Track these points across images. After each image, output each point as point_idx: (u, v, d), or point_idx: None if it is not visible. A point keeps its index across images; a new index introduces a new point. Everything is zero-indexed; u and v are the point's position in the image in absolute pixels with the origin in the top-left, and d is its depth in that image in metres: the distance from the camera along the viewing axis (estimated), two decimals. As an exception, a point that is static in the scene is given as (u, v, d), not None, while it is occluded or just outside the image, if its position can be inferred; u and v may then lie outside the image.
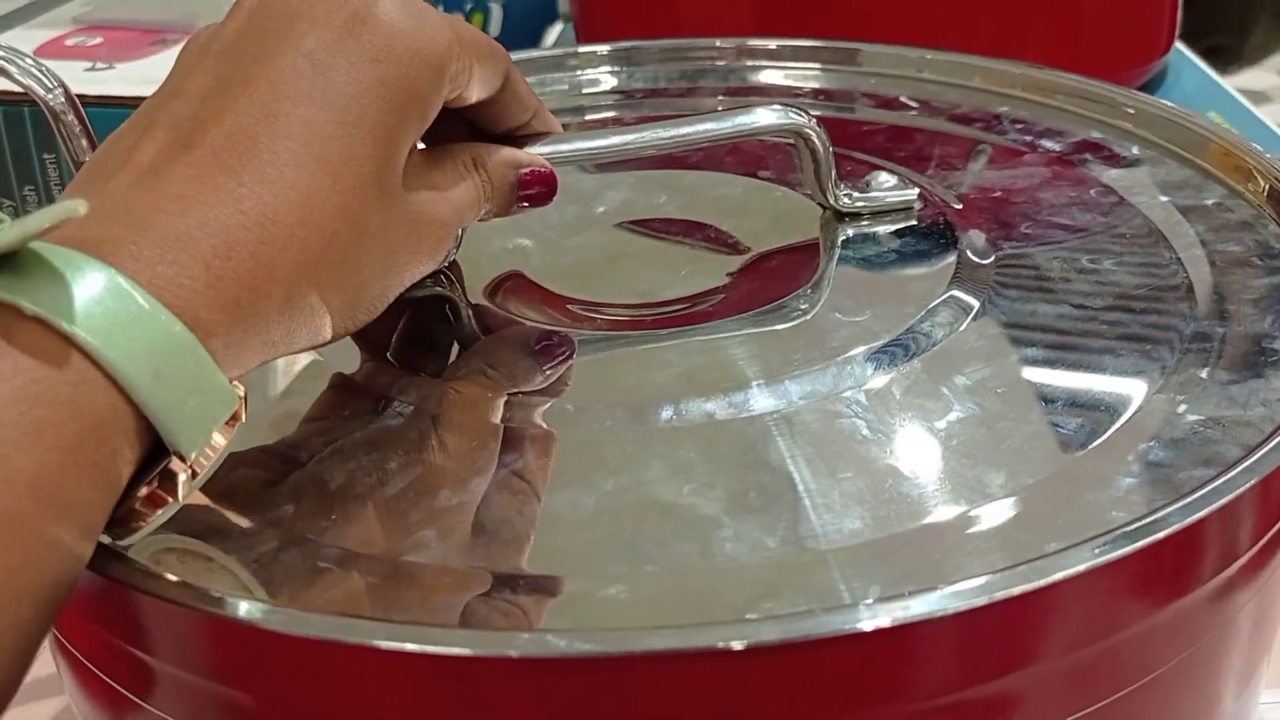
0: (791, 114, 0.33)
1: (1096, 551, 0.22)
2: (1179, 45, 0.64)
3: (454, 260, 0.33)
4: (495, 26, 0.79)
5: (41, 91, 0.38)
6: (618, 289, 0.32)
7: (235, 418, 0.24)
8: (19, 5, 0.67)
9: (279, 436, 0.28)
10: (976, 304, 0.30)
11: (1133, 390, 0.27)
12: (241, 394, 0.25)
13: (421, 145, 0.29)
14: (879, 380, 0.28)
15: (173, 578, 0.23)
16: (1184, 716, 0.27)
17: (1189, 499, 0.23)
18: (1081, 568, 0.22)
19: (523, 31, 0.72)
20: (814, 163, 0.33)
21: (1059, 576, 0.22)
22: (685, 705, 0.22)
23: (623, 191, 0.37)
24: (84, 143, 0.40)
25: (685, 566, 0.23)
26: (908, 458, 0.26)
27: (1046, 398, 0.27)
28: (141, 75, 0.59)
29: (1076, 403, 0.27)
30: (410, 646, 0.21)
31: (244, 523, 0.25)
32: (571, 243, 0.35)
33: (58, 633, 0.27)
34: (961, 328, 0.29)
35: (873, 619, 0.21)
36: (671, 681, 0.22)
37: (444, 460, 0.27)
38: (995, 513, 0.24)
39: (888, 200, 0.34)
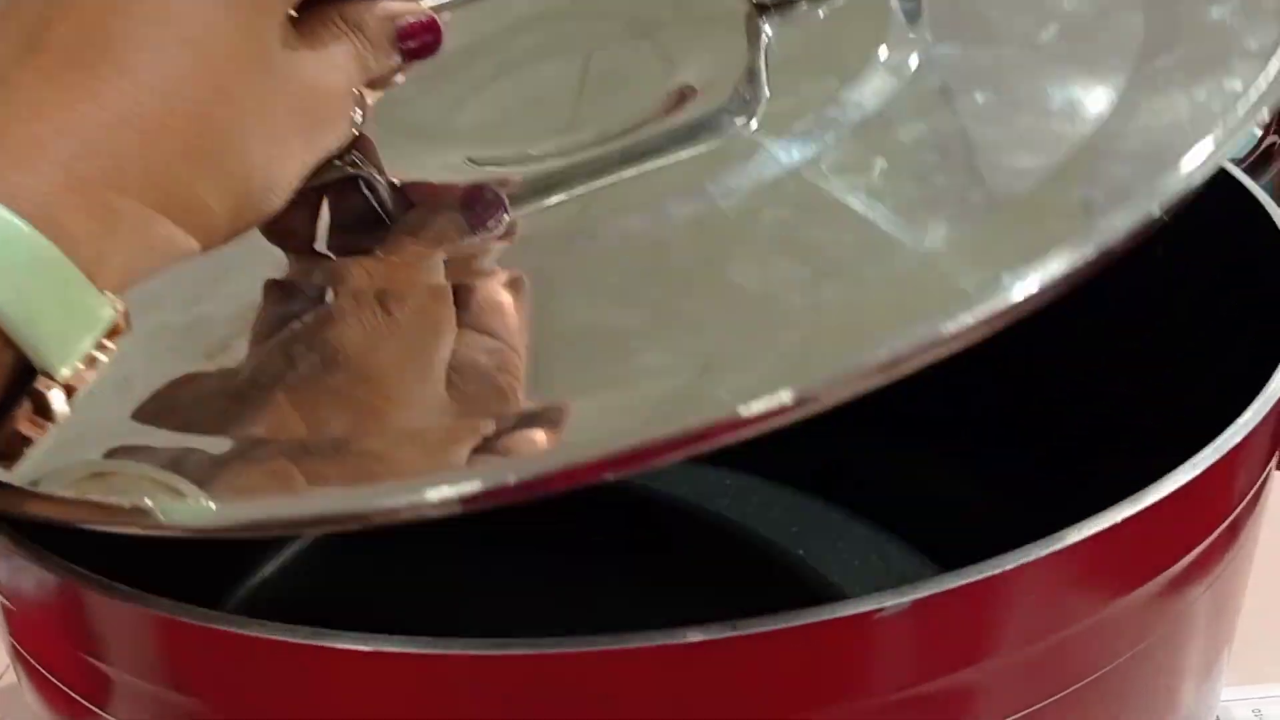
0: None
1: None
2: None
3: (362, 135, 0.30)
4: None
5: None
6: (543, 131, 0.31)
7: (115, 331, 0.23)
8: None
9: (190, 345, 0.27)
10: (912, 63, 0.28)
11: (1083, 114, 0.26)
12: (120, 307, 0.23)
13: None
14: (806, 159, 0.27)
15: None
16: (1142, 709, 0.28)
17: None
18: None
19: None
20: None
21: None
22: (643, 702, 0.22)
23: (524, 23, 0.35)
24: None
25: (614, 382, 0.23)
26: (840, 235, 0.25)
27: (983, 144, 0.26)
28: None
29: (1018, 141, 0.26)
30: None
31: (188, 433, 0.24)
32: (485, 93, 0.33)
33: (15, 641, 0.27)
34: (894, 90, 0.28)
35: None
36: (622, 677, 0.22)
37: (395, 332, 0.26)
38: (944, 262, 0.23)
39: None
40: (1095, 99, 0.26)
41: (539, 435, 0.22)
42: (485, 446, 0.22)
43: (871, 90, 0.28)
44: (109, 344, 0.23)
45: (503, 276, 0.26)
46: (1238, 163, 0.36)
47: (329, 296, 0.27)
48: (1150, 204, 0.22)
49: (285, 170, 0.25)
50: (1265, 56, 0.25)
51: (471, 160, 0.30)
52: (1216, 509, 0.26)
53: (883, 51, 0.29)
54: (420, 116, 0.32)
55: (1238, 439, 0.25)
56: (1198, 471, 0.24)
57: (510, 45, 0.34)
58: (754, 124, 0.28)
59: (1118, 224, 0.22)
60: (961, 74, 0.28)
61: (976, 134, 0.26)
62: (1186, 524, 0.25)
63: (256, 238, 0.28)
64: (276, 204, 0.25)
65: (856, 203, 0.25)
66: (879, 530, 0.43)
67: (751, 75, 0.30)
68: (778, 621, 0.22)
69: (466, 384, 0.24)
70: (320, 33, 0.26)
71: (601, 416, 0.22)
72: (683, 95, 0.30)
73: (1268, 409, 0.26)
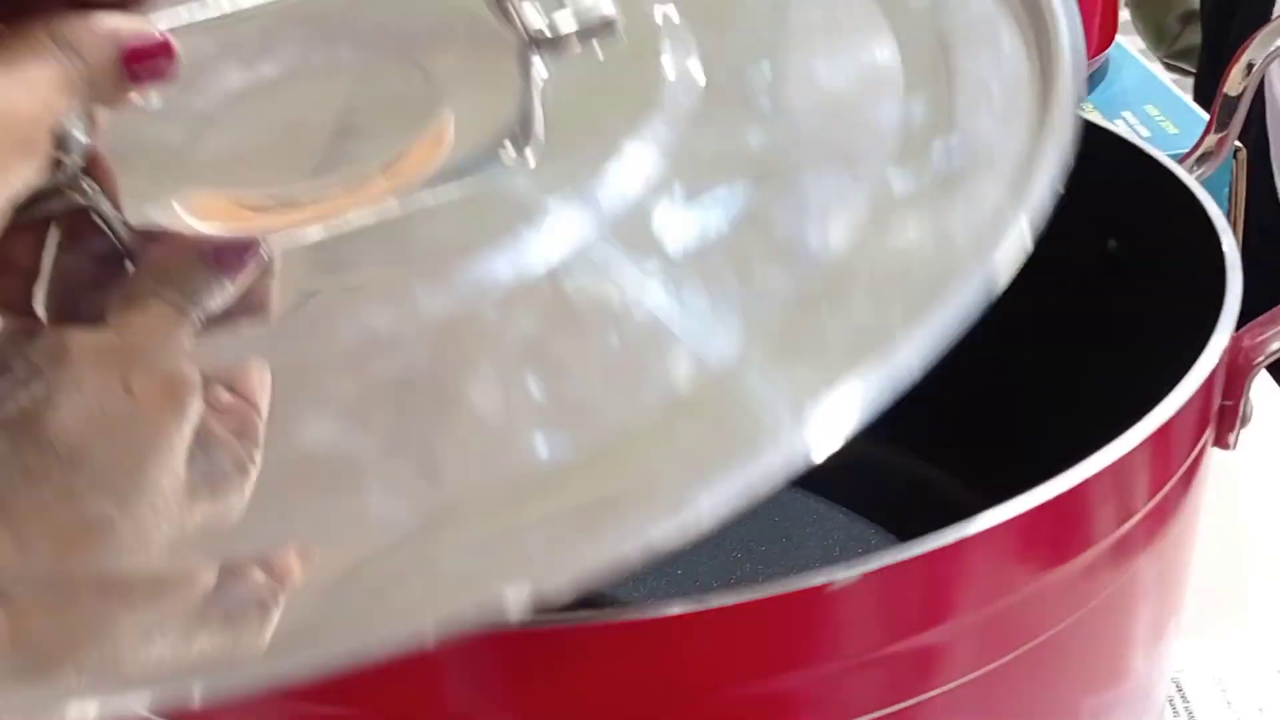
0: None
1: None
2: (1120, 41, 0.66)
3: (97, 159, 0.26)
4: None
5: None
6: (293, 168, 0.28)
7: None
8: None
9: None
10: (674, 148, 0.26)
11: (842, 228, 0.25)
12: None
13: None
14: (567, 255, 0.24)
15: None
16: (1091, 672, 0.29)
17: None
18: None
19: None
20: None
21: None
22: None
23: (293, 45, 0.31)
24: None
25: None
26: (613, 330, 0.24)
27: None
28: None
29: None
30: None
31: None
32: (236, 121, 0.29)
33: None
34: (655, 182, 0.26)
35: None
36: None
37: (133, 413, 0.23)
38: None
39: (588, 14, 0.28)
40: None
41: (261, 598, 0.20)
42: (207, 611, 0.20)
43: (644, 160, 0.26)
44: None
45: (242, 359, 0.23)
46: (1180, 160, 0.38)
47: (48, 365, 0.23)
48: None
49: None
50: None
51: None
52: (1149, 482, 0.28)
53: (663, 104, 0.27)
54: (156, 141, 0.28)
55: (1165, 416, 0.27)
56: (1129, 448, 0.26)
57: (261, 61, 0.31)
58: (524, 179, 0.26)
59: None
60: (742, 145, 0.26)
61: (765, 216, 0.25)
62: (1121, 496, 0.27)
63: None
64: None
65: (632, 292, 0.23)
66: (857, 518, 0.45)
67: (524, 120, 0.27)
68: (740, 595, 0.23)
69: (206, 455, 0.22)
70: (18, 49, 0.23)
71: (325, 596, 0.20)
72: (446, 135, 0.27)
73: (1193, 390, 0.28)
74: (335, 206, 0.26)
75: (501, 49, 0.28)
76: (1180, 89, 0.65)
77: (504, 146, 0.27)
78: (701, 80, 0.27)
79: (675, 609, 0.23)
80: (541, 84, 0.28)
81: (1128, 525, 0.27)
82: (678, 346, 0.22)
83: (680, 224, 0.24)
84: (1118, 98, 0.63)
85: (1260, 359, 0.30)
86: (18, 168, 0.23)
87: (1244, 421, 0.31)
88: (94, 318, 0.24)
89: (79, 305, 0.24)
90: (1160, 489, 0.28)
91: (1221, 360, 0.29)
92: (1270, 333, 0.30)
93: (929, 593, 0.25)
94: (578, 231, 0.24)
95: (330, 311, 0.24)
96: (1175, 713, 0.40)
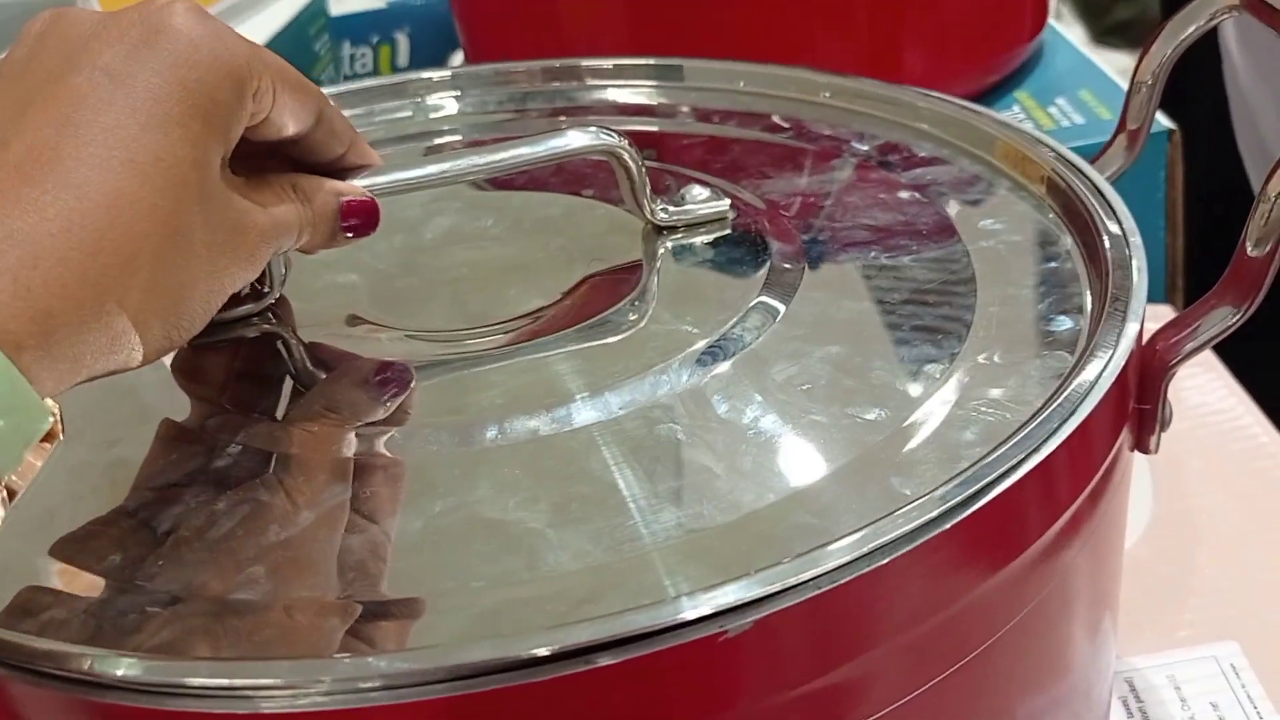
0: (602, 135, 0.35)
1: (919, 523, 0.24)
2: (1053, 24, 0.65)
3: (281, 296, 0.34)
4: (403, 57, 0.80)
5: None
6: (448, 315, 0.34)
7: (51, 435, 0.24)
8: None
9: (109, 486, 0.28)
10: (784, 307, 0.32)
11: (924, 379, 0.30)
12: (56, 412, 0.24)
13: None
14: (694, 385, 0.30)
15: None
16: (1028, 676, 0.29)
17: (1000, 465, 0.26)
18: (908, 548, 0.24)
19: (428, 59, 0.74)
20: (629, 179, 0.35)
21: (847, 578, 0.24)
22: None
23: (449, 216, 0.39)
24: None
25: (512, 579, 0.25)
26: (721, 455, 0.28)
27: (846, 391, 0.30)
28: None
29: (874, 394, 0.29)
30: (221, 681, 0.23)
31: (72, 575, 0.26)
32: (400, 271, 0.36)
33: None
34: (771, 329, 0.32)
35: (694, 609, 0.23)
36: (500, 696, 0.23)
37: (283, 500, 0.27)
38: (805, 500, 0.27)
39: (701, 212, 0.36)
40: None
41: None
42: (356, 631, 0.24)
43: (751, 325, 0.32)
44: (46, 447, 0.24)
45: (387, 460, 0.29)
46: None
47: (224, 450, 0.29)
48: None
49: (211, 294, 0.27)
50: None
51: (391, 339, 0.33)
52: (1066, 489, 0.27)
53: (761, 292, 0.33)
54: (341, 291, 0.35)
55: (1078, 419, 0.27)
56: (1042, 455, 0.26)
57: (426, 227, 0.38)
58: (643, 339, 0.32)
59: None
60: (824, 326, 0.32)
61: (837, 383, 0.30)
62: (1039, 504, 0.27)
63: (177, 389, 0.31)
64: (196, 329, 0.27)
65: (740, 421, 0.29)
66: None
67: (644, 291, 0.34)
68: (626, 653, 0.23)
69: (345, 561, 0.26)
70: (266, 189, 0.29)
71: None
72: (581, 299, 0.34)
73: (1102, 392, 0.27)
74: (485, 344, 0.32)
75: (630, 234, 0.36)
76: (1116, 71, 0.64)
77: (629, 308, 0.33)
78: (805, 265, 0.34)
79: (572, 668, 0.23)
80: (660, 260, 0.35)
81: (1049, 534, 0.28)
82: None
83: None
84: (1051, 84, 0.62)
85: (1175, 360, 0.29)
86: (240, 273, 0.28)
87: (1164, 425, 0.30)
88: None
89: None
90: (1078, 495, 0.27)
91: (1131, 360, 0.28)
92: (1183, 334, 0.29)
93: (841, 628, 0.25)
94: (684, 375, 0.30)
95: (492, 414, 0.29)
96: (1129, 713, 0.40)
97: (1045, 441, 0.26)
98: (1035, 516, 0.27)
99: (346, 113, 0.45)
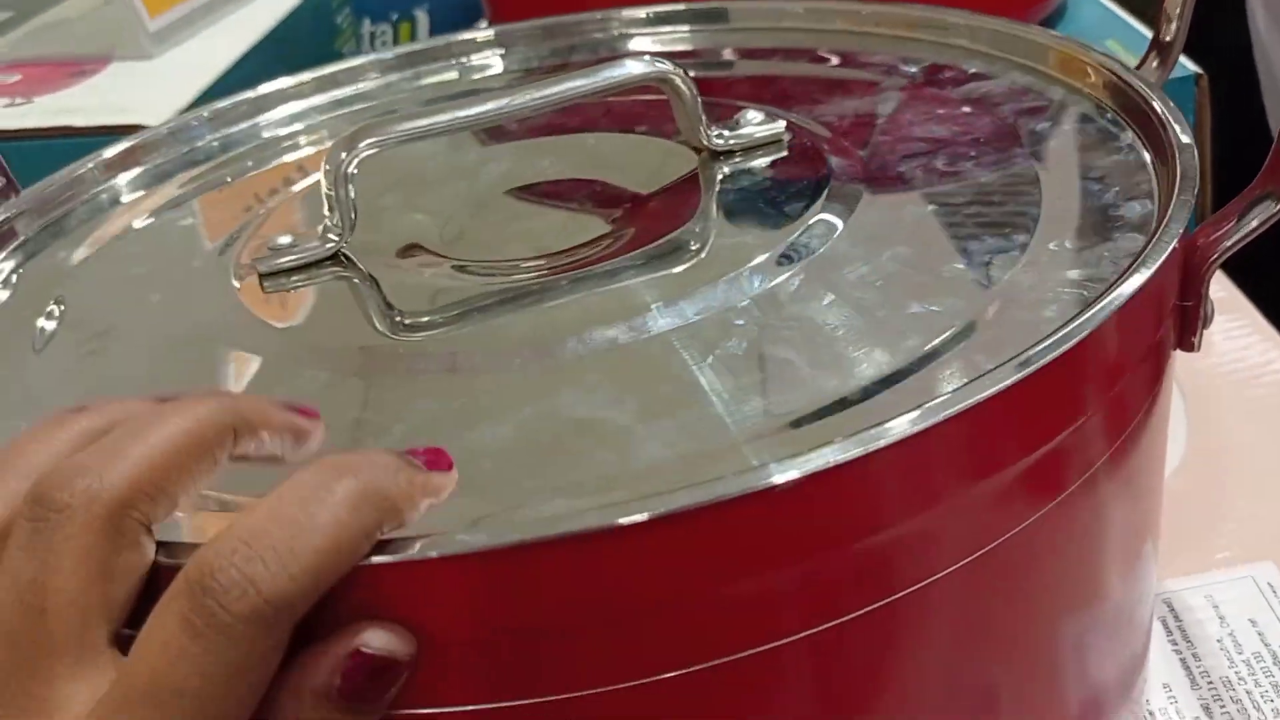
0: (656, 63, 0.35)
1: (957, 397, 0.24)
2: None
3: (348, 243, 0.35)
4: (423, 33, 0.81)
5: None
6: (515, 249, 0.34)
7: None
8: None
9: None
10: (848, 215, 0.33)
11: (997, 268, 0.30)
12: None
13: None
14: (767, 289, 0.30)
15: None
16: (1066, 580, 0.29)
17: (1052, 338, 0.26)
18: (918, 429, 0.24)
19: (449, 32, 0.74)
20: (683, 104, 0.36)
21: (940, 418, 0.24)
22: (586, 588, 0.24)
23: (506, 162, 0.40)
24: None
25: (605, 469, 0.26)
26: (800, 349, 0.28)
27: (919, 285, 0.30)
28: (60, 106, 0.61)
29: (949, 286, 0.30)
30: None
31: None
32: (464, 214, 0.37)
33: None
34: (837, 236, 0.32)
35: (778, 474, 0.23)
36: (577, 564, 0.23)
37: None
38: (888, 383, 0.27)
39: (757, 135, 0.37)
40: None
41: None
42: None
43: (817, 234, 0.32)
44: None
45: None
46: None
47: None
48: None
49: None
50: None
51: (457, 268, 0.34)
52: (1108, 372, 0.28)
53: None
54: (409, 231, 0.36)
55: (1119, 302, 0.27)
56: (1085, 332, 0.26)
57: (483, 172, 0.39)
58: (711, 253, 0.32)
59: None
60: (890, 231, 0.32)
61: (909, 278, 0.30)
62: (1077, 385, 0.27)
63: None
64: None
65: (816, 318, 0.29)
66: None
67: (706, 211, 0.35)
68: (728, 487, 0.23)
69: None
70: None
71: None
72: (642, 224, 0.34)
73: (1147, 276, 0.28)
74: (548, 271, 0.33)
75: (687, 161, 0.37)
76: (1142, 22, 0.65)
77: (693, 226, 0.34)
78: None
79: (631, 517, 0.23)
80: (718, 183, 0.36)
81: (1088, 418, 0.27)
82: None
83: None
84: (1078, 35, 0.62)
85: (1216, 255, 0.30)
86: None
87: (1206, 322, 0.31)
88: None
89: None
90: (1120, 378, 0.28)
91: (1174, 255, 0.29)
92: (1223, 229, 0.30)
93: (917, 482, 0.25)
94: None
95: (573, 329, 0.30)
96: (1168, 631, 0.40)
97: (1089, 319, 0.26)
98: (1069, 401, 0.27)
99: (392, 77, 0.46)
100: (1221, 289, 0.55)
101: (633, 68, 0.35)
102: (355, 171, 0.33)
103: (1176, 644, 0.40)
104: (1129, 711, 0.35)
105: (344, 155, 0.33)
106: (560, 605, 0.23)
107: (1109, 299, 0.27)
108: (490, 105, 0.35)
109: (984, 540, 0.26)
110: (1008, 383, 0.25)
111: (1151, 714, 0.38)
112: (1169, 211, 0.30)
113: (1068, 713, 0.32)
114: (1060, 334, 0.26)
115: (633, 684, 0.24)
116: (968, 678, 0.28)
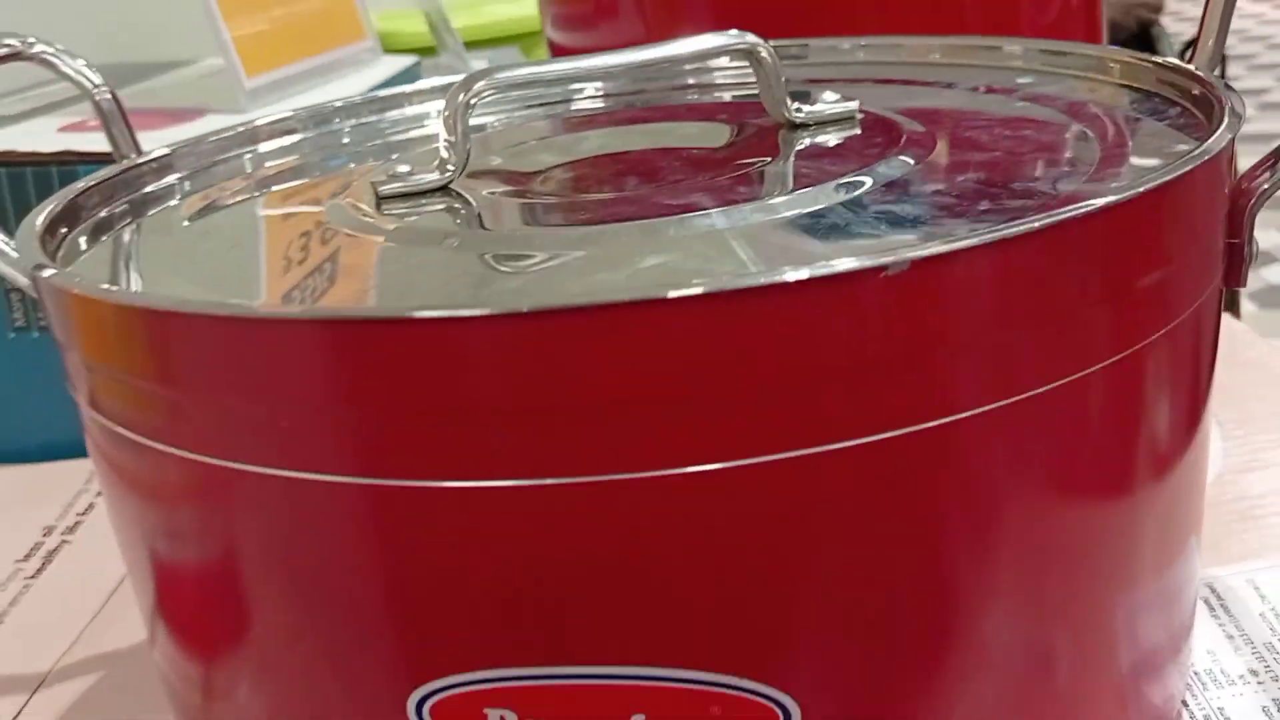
0: (743, 35, 0.39)
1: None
2: None
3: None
4: None
5: (89, 86, 0.44)
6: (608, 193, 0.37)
7: None
8: (43, 103, 0.73)
9: None
10: (923, 156, 0.36)
11: (1065, 181, 0.33)
12: None
13: None
14: (848, 197, 0.33)
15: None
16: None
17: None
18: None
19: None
20: (765, 75, 0.39)
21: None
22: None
23: (598, 140, 0.43)
24: (130, 140, 0.45)
25: None
26: (883, 233, 0.31)
27: (993, 194, 0.33)
28: (159, 140, 0.65)
29: (1022, 193, 0.33)
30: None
31: None
32: (560, 171, 0.40)
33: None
34: (912, 169, 0.35)
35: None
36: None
37: None
38: None
39: (831, 111, 0.40)
40: None
41: None
42: None
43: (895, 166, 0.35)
44: None
45: None
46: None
47: None
48: None
49: None
50: None
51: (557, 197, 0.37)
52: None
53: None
54: (513, 179, 0.39)
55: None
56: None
57: (578, 146, 0.43)
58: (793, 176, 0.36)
59: None
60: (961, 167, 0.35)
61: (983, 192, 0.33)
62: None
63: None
64: None
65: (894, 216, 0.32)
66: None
67: (786, 157, 0.38)
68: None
69: None
70: None
71: None
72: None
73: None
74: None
75: (767, 133, 0.40)
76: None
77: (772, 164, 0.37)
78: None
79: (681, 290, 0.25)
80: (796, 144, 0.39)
81: (1154, 276, 0.30)
82: None
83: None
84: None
85: (1258, 195, 0.33)
86: None
87: (1251, 259, 0.34)
88: None
89: None
90: (1181, 252, 0.31)
91: (1226, 152, 0.32)
92: (1261, 175, 0.33)
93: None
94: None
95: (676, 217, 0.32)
96: (1211, 608, 0.42)
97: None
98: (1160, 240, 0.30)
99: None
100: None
101: (718, 39, 0.39)
102: (473, 104, 0.37)
103: (1219, 618, 0.41)
104: (1178, 672, 0.36)
105: (462, 96, 0.37)
106: (603, 381, 0.25)
107: (1180, 162, 0.30)
108: (586, 63, 0.38)
109: (1044, 377, 0.28)
110: (1079, 211, 0.27)
111: (1197, 674, 0.39)
112: (1222, 120, 0.33)
113: (1120, 670, 0.33)
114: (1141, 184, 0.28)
115: (683, 471, 0.26)
116: (1023, 535, 0.30)
